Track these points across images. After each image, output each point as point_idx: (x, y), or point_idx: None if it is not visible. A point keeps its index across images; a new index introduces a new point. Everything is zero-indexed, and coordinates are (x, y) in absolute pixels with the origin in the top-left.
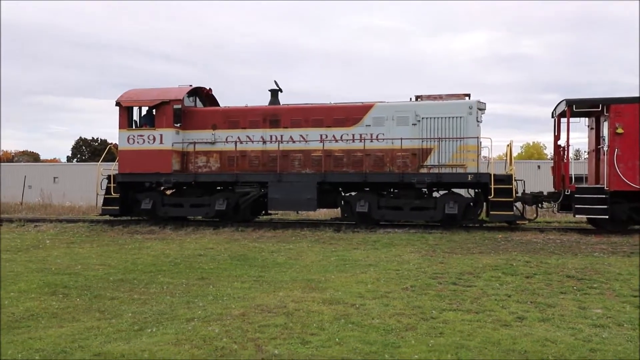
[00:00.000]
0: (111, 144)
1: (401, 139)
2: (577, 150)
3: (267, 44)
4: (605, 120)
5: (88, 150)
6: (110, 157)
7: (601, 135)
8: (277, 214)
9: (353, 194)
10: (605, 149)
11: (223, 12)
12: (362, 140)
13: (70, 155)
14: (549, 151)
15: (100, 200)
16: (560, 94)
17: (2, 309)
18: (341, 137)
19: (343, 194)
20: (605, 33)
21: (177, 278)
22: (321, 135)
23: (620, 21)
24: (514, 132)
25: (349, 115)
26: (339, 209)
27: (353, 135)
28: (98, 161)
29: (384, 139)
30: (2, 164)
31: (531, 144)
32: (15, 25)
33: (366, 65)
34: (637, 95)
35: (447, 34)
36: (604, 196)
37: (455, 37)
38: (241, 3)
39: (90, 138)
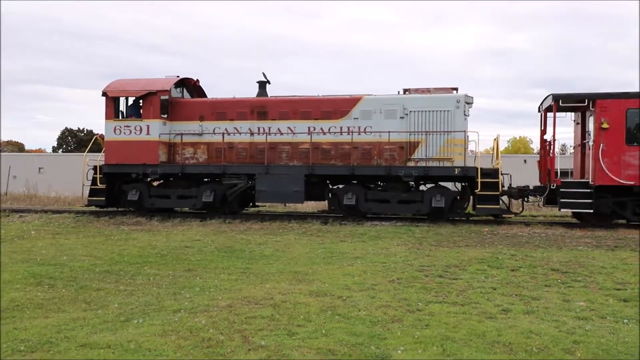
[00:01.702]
0: (97, 134)
1: (389, 132)
2: (563, 145)
3: (256, 36)
4: (591, 115)
5: (74, 140)
6: (97, 148)
7: (587, 130)
8: (264, 206)
9: (340, 186)
10: (591, 143)
11: (212, 4)
12: (350, 133)
13: (55, 145)
14: (535, 145)
15: (87, 191)
16: (547, 89)
17: None
18: (329, 129)
19: (331, 187)
20: (594, 27)
21: (164, 269)
22: (309, 128)
23: (608, 15)
24: (501, 126)
25: (337, 107)
26: (327, 201)
27: (341, 127)
28: (84, 152)
29: (371, 132)
30: None
31: (518, 138)
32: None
33: (355, 58)
34: (624, 90)
35: (436, 28)
36: (588, 190)
37: (445, 30)
38: None
39: (76, 128)
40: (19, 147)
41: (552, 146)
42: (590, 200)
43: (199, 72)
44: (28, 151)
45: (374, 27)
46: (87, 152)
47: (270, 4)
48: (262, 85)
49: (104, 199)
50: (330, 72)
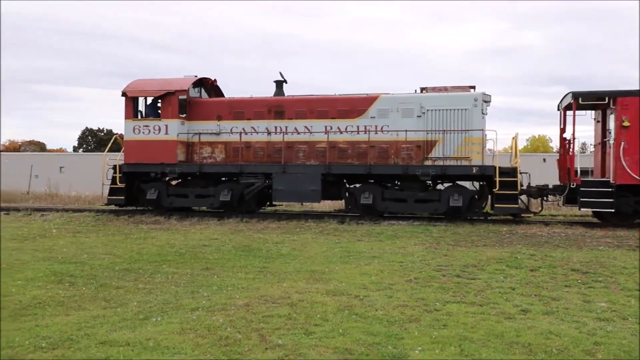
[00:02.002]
0: (117, 134)
1: (406, 130)
2: (583, 144)
3: (268, 35)
4: (611, 113)
5: (94, 140)
6: (116, 147)
7: (607, 128)
8: (281, 205)
9: (357, 185)
10: (612, 142)
11: (221, 3)
12: (367, 132)
13: (76, 145)
14: (555, 144)
15: (106, 190)
16: (566, 86)
17: (10, 296)
18: (346, 128)
19: (347, 186)
20: (609, 24)
21: (182, 268)
22: (326, 127)
23: (625, 12)
24: (519, 124)
25: (353, 106)
26: (343, 200)
27: (358, 126)
28: (104, 151)
29: (388, 131)
30: (8, 153)
31: (537, 136)
32: (15, 14)
33: (367, 57)
34: None
35: (447, 26)
36: (609, 189)
37: (457, 28)
38: None
39: (97, 128)
40: (40, 147)
41: (571, 145)
42: (611, 200)
43: (211, 71)
44: (49, 151)
45: (382, 25)
46: (107, 151)
47: (280, 3)
48: (279, 84)
49: (123, 198)
50: (335, 71)
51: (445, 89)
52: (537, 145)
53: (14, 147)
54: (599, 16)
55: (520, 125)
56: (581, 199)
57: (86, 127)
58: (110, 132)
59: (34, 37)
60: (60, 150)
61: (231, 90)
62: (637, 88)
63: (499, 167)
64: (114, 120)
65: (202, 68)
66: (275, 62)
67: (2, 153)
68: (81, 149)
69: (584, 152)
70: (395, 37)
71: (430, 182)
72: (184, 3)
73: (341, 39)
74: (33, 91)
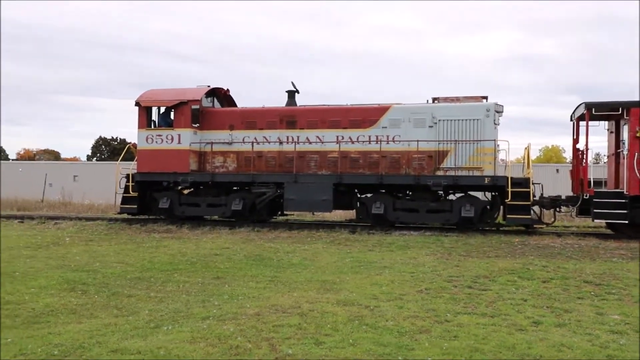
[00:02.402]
0: (130, 143)
1: (417, 141)
2: (598, 154)
3: (283, 44)
4: (625, 124)
5: (108, 149)
6: (130, 156)
7: (621, 138)
8: (293, 214)
9: (369, 195)
10: (625, 152)
11: (240, 13)
12: (379, 142)
13: (90, 154)
14: (568, 154)
15: (119, 199)
16: (579, 96)
17: (23, 304)
18: (357, 138)
19: (359, 196)
20: (625, 33)
21: (193, 277)
22: (337, 137)
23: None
24: (532, 134)
25: (365, 116)
26: (355, 210)
27: (369, 136)
28: (117, 160)
29: (400, 141)
30: (23, 162)
31: (550, 147)
32: (38, 26)
33: (382, 66)
34: None
35: (462, 35)
36: (623, 201)
37: (473, 37)
38: (257, 4)
39: (110, 137)
40: (54, 156)
41: (584, 155)
42: (625, 211)
43: (227, 81)
44: (63, 159)
45: (399, 34)
46: (120, 160)
47: (296, 12)
48: (291, 94)
49: (135, 206)
50: (355, 80)
51: (457, 99)
52: (550, 156)
53: (29, 156)
54: (617, 24)
55: (534, 135)
56: (594, 210)
57: (100, 137)
58: (123, 142)
59: (56, 49)
60: (74, 159)
61: (252, 99)
62: None
63: (512, 178)
64: (130, 130)
65: (222, 78)
66: (294, 71)
67: (17, 161)
68: (95, 158)
69: (598, 163)
70: (412, 46)
71: (442, 192)
72: (204, 14)
73: (361, 48)
74: (53, 101)
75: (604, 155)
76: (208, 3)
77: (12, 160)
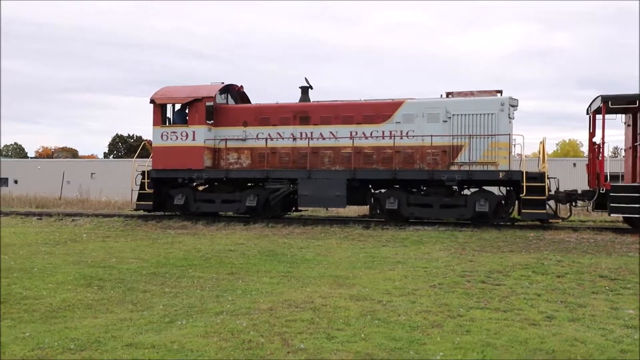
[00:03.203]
0: (146, 140)
1: (431, 135)
2: (615, 148)
3: (296, 42)
4: None
5: (124, 146)
6: (145, 154)
7: (638, 132)
8: (306, 210)
9: (383, 191)
10: None
11: (252, 11)
12: (392, 137)
13: (107, 151)
14: (585, 149)
15: (135, 196)
16: (595, 90)
17: (41, 299)
18: (371, 134)
19: (372, 191)
20: None
21: (208, 272)
22: (351, 132)
23: None
24: (548, 128)
25: (378, 112)
26: (368, 206)
27: (383, 132)
28: (133, 157)
29: (414, 136)
30: (41, 159)
31: (567, 141)
32: (52, 25)
33: (392, 62)
34: None
35: (476, 29)
36: None
37: (485, 32)
38: (269, 2)
39: (126, 135)
40: (72, 154)
41: (601, 149)
42: None
43: (241, 78)
44: (81, 157)
45: (412, 30)
46: (136, 157)
47: (309, 9)
48: (305, 90)
49: (151, 203)
50: (367, 76)
51: (472, 93)
52: (568, 150)
53: (47, 154)
54: (631, 17)
55: (551, 130)
56: (611, 205)
57: (117, 134)
58: (139, 139)
59: (71, 47)
60: (92, 156)
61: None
62: None
63: (527, 172)
64: (146, 127)
65: (235, 75)
66: (308, 68)
67: (35, 159)
68: (111, 156)
69: (616, 157)
70: (425, 42)
71: (456, 187)
72: (217, 12)
73: (373, 45)
74: (71, 100)
75: (622, 149)
76: (220, 2)
77: (31, 158)
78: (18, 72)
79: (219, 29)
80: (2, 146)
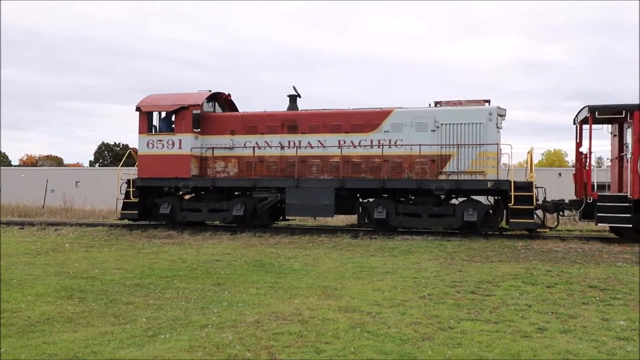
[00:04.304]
0: (132, 148)
1: (420, 145)
2: (599, 158)
3: (287, 50)
4: (628, 127)
5: (110, 154)
6: (131, 162)
7: (624, 142)
8: (294, 219)
9: (371, 200)
10: (629, 156)
11: (244, 19)
12: (381, 146)
13: (92, 159)
14: (571, 158)
15: (120, 205)
16: (582, 101)
17: (19, 312)
18: (359, 142)
19: (361, 200)
20: (628, 38)
21: (193, 283)
22: (339, 141)
23: None
24: (535, 139)
25: (367, 121)
26: (357, 215)
27: (371, 141)
28: (119, 166)
29: (402, 145)
30: (25, 168)
31: (552, 151)
32: (43, 34)
33: (385, 71)
34: None
35: (468, 40)
36: (627, 204)
37: (477, 43)
38: (260, 9)
39: (113, 143)
40: (57, 162)
41: (588, 159)
42: (629, 215)
43: (231, 86)
44: (66, 165)
45: (405, 40)
46: (121, 165)
47: (299, 18)
48: (293, 98)
49: (136, 212)
50: (362, 85)
51: (460, 102)
52: (553, 160)
53: (32, 162)
54: (620, 30)
55: (537, 140)
56: (598, 214)
57: (102, 142)
58: (126, 147)
59: (60, 55)
60: (77, 164)
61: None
62: None
63: (515, 182)
64: (132, 135)
65: (225, 84)
66: (298, 77)
67: (19, 167)
68: (97, 164)
69: (600, 167)
70: (417, 52)
71: (444, 196)
72: (211, 21)
73: (367, 54)
74: (57, 107)
75: (608, 159)
76: (212, 11)
77: (15, 166)
78: None
79: (210, 38)
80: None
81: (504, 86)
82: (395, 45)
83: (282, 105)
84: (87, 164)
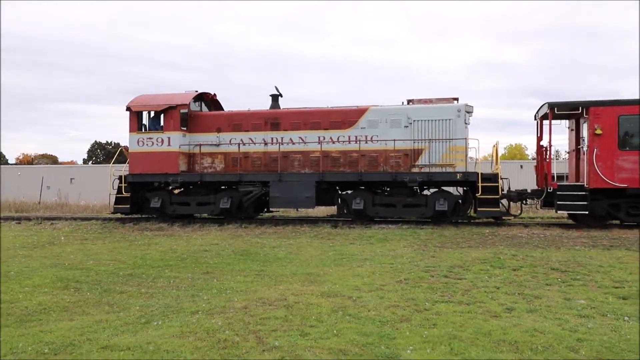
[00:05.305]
0: (123, 146)
1: (394, 140)
2: (557, 151)
3: (267, 53)
4: (585, 122)
5: (103, 152)
6: (122, 159)
7: (581, 136)
8: (278, 211)
9: (349, 192)
10: (585, 149)
11: (224, 22)
12: (358, 142)
13: (86, 157)
14: (530, 152)
15: (113, 200)
16: (540, 99)
17: (17, 302)
18: (338, 138)
19: (340, 192)
20: (584, 41)
21: (184, 272)
22: (319, 137)
23: (597, 30)
24: (498, 134)
25: (345, 118)
26: (336, 206)
27: (349, 137)
28: (111, 163)
29: (378, 141)
30: (22, 166)
31: (514, 145)
32: (35, 38)
33: (358, 72)
34: (616, 98)
35: (435, 43)
36: (584, 193)
37: (444, 45)
38: (243, 13)
39: (105, 142)
40: (52, 160)
41: (548, 152)
42: (585, 202)
43: (219, 87)
44: (61, 163)
45: (377, 43)
46: (113, 162)
47: (279, 23)
48: (275, 98)
49: (128, 206)
50: (333, 86)
51: (430, 100)
52: (515, 153)
53: (28, 160)
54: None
55: (500, 135)
56: (558, 202)
57: (95, 141)
58: (117, 145)
59: (54, 58)
60: (71, 162)
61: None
62: (608, 99)
63: (481, 173)
64: (123, 134)
65: (211, 84)
66: (280, 77)
67: (16, 166)
68: (91, 161)
69: (558, 159)
70: (387, 54)
71: (417, 188)
72: (195, 23)
73: (341, 57)
74: (53, 109)
75: (566, 152)
76: (195, 15)
77: (11, 164)
78: None
79: (194, 41)
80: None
81: (470, 85)
82: (366, 48)
83: (261, 105)
84: (80, 162)
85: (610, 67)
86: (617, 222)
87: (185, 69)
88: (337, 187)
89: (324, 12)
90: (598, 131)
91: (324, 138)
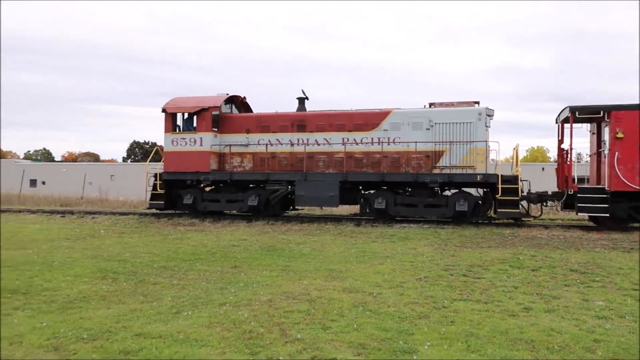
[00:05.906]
0: (158, 146)
1: (416, 142)
2: (579, 154)
3: (294, 58)
4: (606, 126)
5: (140, 151)
6: (157, 158)
7: (602, 139)
8: (303, 209)
9: (372, 192)
10: (606, 152)
11: (249, 30)
12: (380, 144)
13: (125, 156)
14: (552, 154)
15: (149, 196)
16: (564, 102)
17: (60, 290)
18: (361, 140)
19: (363, 192)
20: (598, 46)
21: (213, 266)
22: (343, 139)
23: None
24: (519, 137)
25: (368, 120)
26: (359, 205)
27: (372, 138)
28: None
29: (400, 142)
30: (66, 163)
31: (535, 147)
32: (70, 42)
33: (382, 76)
34: (637, 102)
35: (457, 47)
36: (605, 196)
37: (464, 50)
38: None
39: (143, 141)
40: (94, 158)
41: (569, 154)
42: (606, 205)
43: (243, 90)
44: (102, 161)
45: (404, 49)
46: (149, 161)
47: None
48: (302, 101)
49: (163, 202)
50: (352, 89)
51: (452, 104)
52: (536, 156)
53: (72, 158)
54: (593, 38)
55: (520, 138)
56: (578, 205)
57: (134, 140)
58: (154, 145)
59: (89, 63)
60: (112, 160)
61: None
62: (630, 103)
63: (502, 175)
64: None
65: (237, 87)
66: (299, 81)
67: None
68: (129, 160)
69: (579, 162)
70: (405, 58)
71: (438, 188)
72: (220, 31)
73: (356, 60)
74: (89, 110)
75: (587, 155)
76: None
77: (57, 161)
78: (39, 84)
79: (224, 47)
80: (31, 151)
81: (491, 89)
82: (385, 52)
83: (287, 108)
84: (120, 160)
85: (622, 71)
86: (638, 225)
87: (215, 74)
88: (360, 187)
89: (354, 20)
90: (619, 135)
91: (348, 139)
